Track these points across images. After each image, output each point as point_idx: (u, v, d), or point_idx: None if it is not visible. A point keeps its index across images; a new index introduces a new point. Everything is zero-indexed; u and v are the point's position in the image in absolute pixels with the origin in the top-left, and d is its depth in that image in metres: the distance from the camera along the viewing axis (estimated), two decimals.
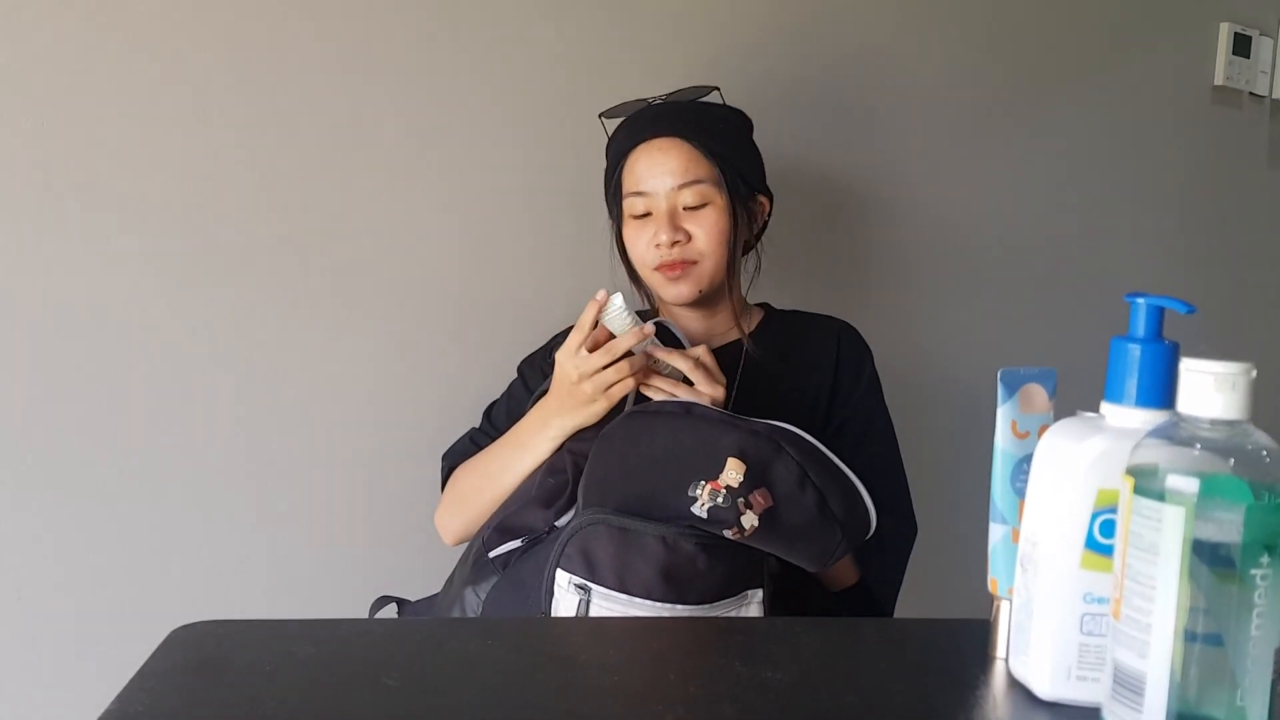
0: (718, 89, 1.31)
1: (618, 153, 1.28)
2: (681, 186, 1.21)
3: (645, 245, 1.24)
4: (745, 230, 1.27)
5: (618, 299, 1.11)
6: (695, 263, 1.23)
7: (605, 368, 1.10)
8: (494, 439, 1.26)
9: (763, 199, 1.31)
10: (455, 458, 1.30)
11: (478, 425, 1.33)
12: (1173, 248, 2.07)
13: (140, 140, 1.25)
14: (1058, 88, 1.89)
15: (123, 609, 1.27)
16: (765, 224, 1.34)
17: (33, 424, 1.23)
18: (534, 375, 1.31)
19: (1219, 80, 2.09)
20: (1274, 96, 2.18)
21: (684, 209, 1.22)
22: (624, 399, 1.13)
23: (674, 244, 1.21)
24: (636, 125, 1.27)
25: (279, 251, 1.33)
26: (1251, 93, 2.15)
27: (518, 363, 1.36)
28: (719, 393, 1.11)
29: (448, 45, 1.40)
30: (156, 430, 1.28)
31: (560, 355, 1.13)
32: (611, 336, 1.12)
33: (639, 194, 1.24)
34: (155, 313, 1.27)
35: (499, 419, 1.30)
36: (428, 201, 1.41)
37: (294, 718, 0.62)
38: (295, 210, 1.33)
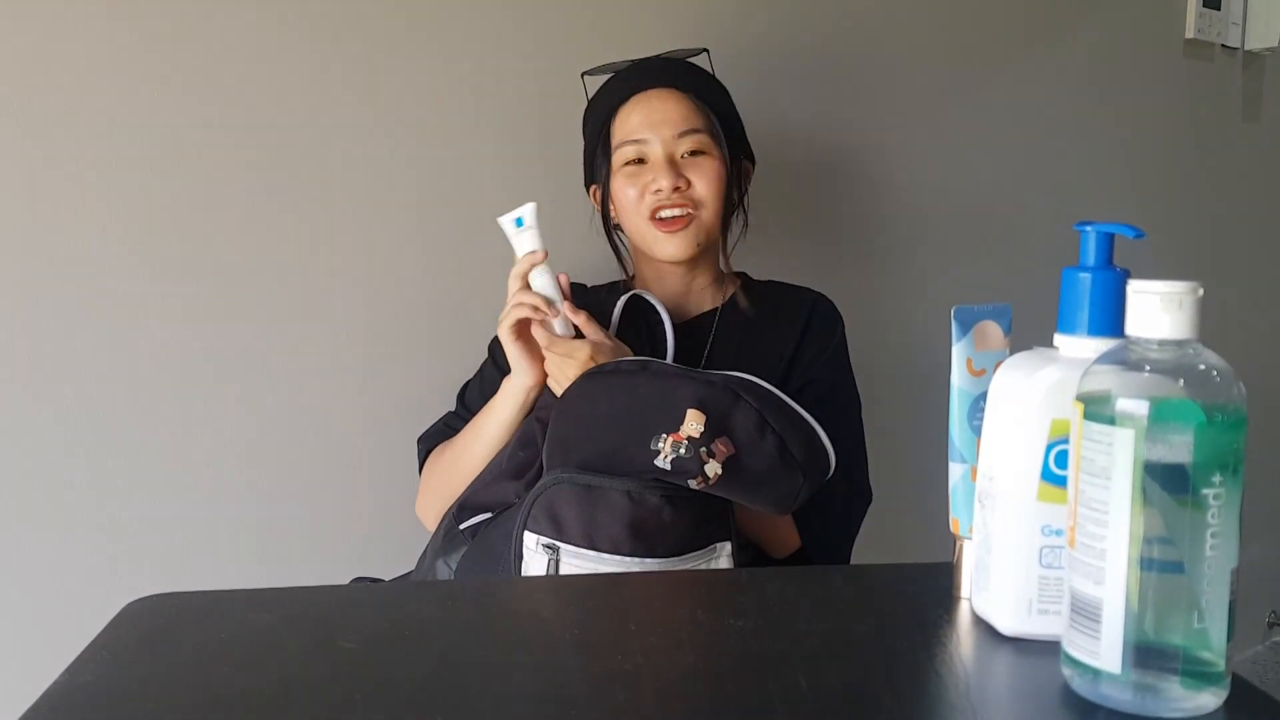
0: (706, 51, 1.30)
1: (607, 107, 1.26)
2: (682, 134, 1.21)
3: (638, 194, 1.22)
4: (735, 189, 1.27)
5: (528, 211, 1.15)
6: (694, 214, 1.21)
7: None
8: (468, 421, 1.25)
9: (747, 163, 1.32)
10: (431, 441, 1.29)
11: (453, 408, 1.33)
12: (1148, 203, 2.06)
13: (110, 133, 1.23)
14: (1029, 46, 1.88)
15: (90, 595, 1.25)
16: (745, 190, 1.33)
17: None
18: (501, 352, 1.30)
19: (1190, 33, 2.08)
20: (1246, 48, 2.18)
21: (682, 157, 1.22)
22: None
23: (675, 189, 1.20)
24: (629, 78, 1.26)
25: (251, 234, 1.31)
26: (1223, 45, 2.15)
27: (489, 341, 1.35)
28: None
29: (418, 23, 1.38)
30: (128, 417, 1.27)
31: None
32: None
33: (634, 142, 1.22)
34: (128, 297, 1.25)
35: (472, 400, 1.29)
36: (398, 182, 1.39)
37: (249, 683, 0.62)
38: (268, 193, 1.31)
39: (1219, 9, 2.11)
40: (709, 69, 1.30)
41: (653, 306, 1.23)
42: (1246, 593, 0.59)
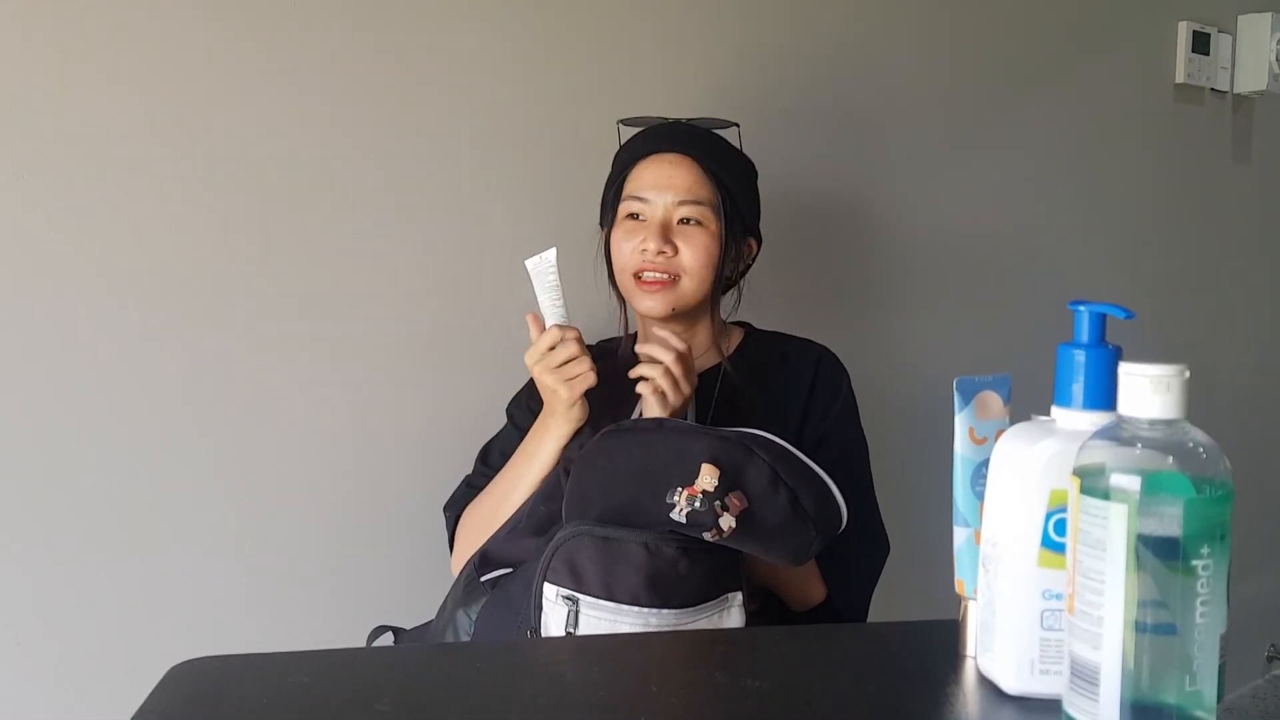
0: (736, 125, 1.35)
1: (628, 158, 1.31)
2: (681, 203, 1.25)
3: (630, 250, 1.27)
4: (731, 265, 1.31)
5: (549, 255, 1.18)
6: (676, 280, 1.25)
7: (552, 350, 1.16)
8: (491, 479, 1.28)
9: (752, 242, 1.35)
10: (458, 506, 1.32)
11: (471, 469, 1.36)
12: (1141, 246, 2.11)
13: (133, 157, 1.27)
14: (1019, 94, 1.93)
15: (120, 650, 1.28)
16: (749, 266, 1.38)
17: (20, 469, 1.25)
18: (521, 414, 1.34)
19: (1180, 78, 2.13)
20: (1235, 91, 2.23)
21: (677, 223, 1.26)
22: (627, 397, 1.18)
23: (659, 253, 1.24)
24: (652, 137, 1.31)
25: (266, 286, 1.35)
26: (1213, 89, 2.20)
27: (504, 386, 1.39)
28: (677, 402, 1.17)
29: (435, 72, 1.42)
30: (148, 470, 1.30)
31: (525, 358, 1.19)
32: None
33: (638, 198, 1.27)
34: (141, 351, 1.29)
35: (495, 460, 1.33)
36: (415, 228, 1.43)
37: None
38: (279, 245, 1.35)
39: (1208, 54, 2.16)
40: (738, 143, 1.34)
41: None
42: (1245, 627, 0.63)
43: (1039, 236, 1.96)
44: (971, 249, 1.88)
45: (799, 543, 1.01)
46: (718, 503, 0.97)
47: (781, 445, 1.04)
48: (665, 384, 1.17)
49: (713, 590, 1.01)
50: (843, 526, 1.04)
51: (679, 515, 0.97)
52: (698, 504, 0.97)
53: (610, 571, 0.98)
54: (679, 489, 0.98)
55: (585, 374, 1.16)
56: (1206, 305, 2.22)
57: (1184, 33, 2.13)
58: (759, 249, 1.37)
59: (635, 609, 0.98)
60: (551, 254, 1.19)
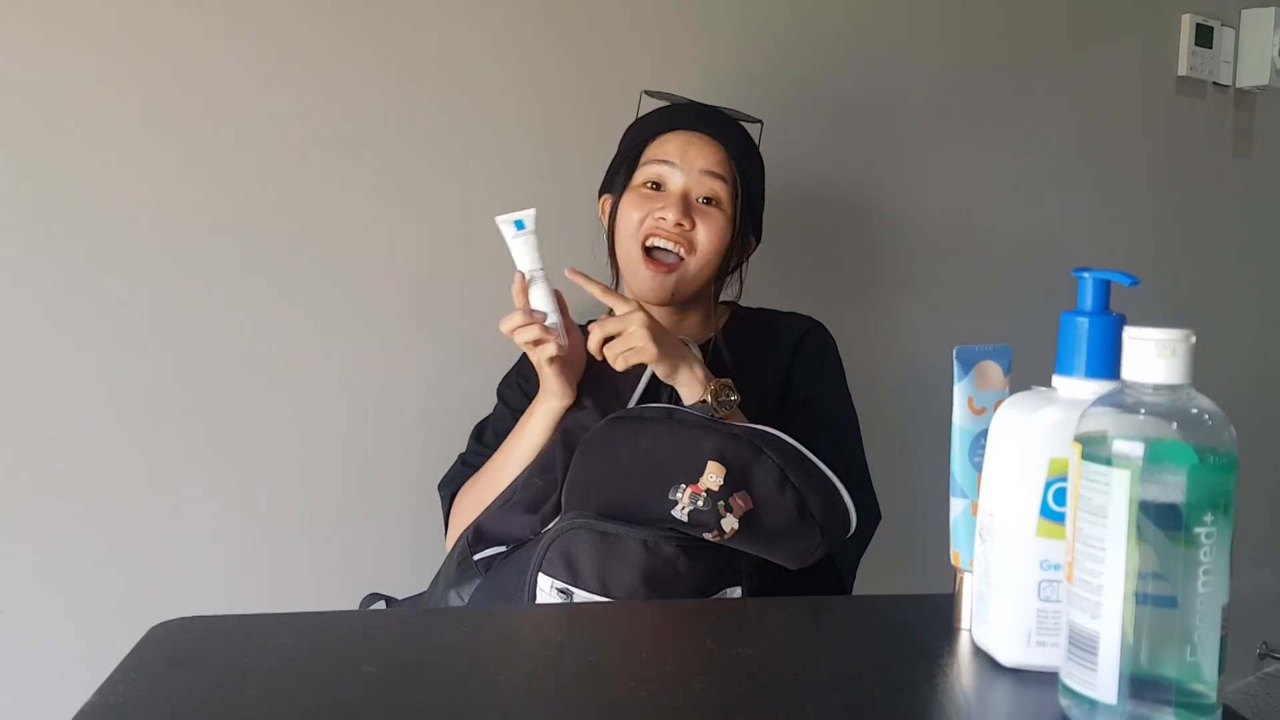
0: (760, 123, 1.35)
1: (652, 129, 1.29)
2: (707, 173, 1.24)
3: (642, 217, 1.24)
4: (734, 256, 1.30)
5: (529, 216, 1.14)
6: (683, 261, 1.24)
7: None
8: (486, 457, 1.27)
9: (751, 238, 1.35)
10: (454, 484, 1.30)
11: (465, 447, 1.35)
12: (1141, 239, 2.10)
13: (127, 147, 1.25)
14: (1022, 84, 1.92)
15: (107, 615, 1.27)
16: (743, 262, 1.36)
17: (8, 426, 1.23)
18: (511, 393, 1.33)
19: (1182, 71, 2.13)
20: (1237, 85, 2.22)
21: (697, 201, 1.24)
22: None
23: (678, 224, 1.22)
24: (680, 113, 1.29)
25: (263, 253, 1.33)
26: (1215, 82, 2.19)
27: (501, 363, 1.37)
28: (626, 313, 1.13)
29: (428, 56, 1.41)
30: (139, 433, 1.28)
31: None
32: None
33: (662, 162, 1.25)
34: (137, 314, 1.27)
35: (489, 439, 1.31)
36: (407, 207, 1.42)
37: (275, 706, 0.64)
38: (279, 214, 1.34)
39: (1211, 47, 2.16)
40: (758, 140, 1.34)
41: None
42: (1237, 624, 0.62)
43: (1040, 228, 1.96)
44: (972, 240, 1.88)
45: (803, 547, 0.99)
46: (721, 503, 0.95)
47: (792, 445, 1.02)
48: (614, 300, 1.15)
49: (710, 588, 1.00)
50: (851, 530, 1.02)
51: (681, 514, 0.95)
52: (700, 503, 0.95)
53: (606, 567, 0.96)
54: (683, 486, 0.96)
55: (539, 340, 1.13)
56: (1205, 300, 2.21)
57: (1187, 26, 2.12)
58: (755, 247, 1.36)
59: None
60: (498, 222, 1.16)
